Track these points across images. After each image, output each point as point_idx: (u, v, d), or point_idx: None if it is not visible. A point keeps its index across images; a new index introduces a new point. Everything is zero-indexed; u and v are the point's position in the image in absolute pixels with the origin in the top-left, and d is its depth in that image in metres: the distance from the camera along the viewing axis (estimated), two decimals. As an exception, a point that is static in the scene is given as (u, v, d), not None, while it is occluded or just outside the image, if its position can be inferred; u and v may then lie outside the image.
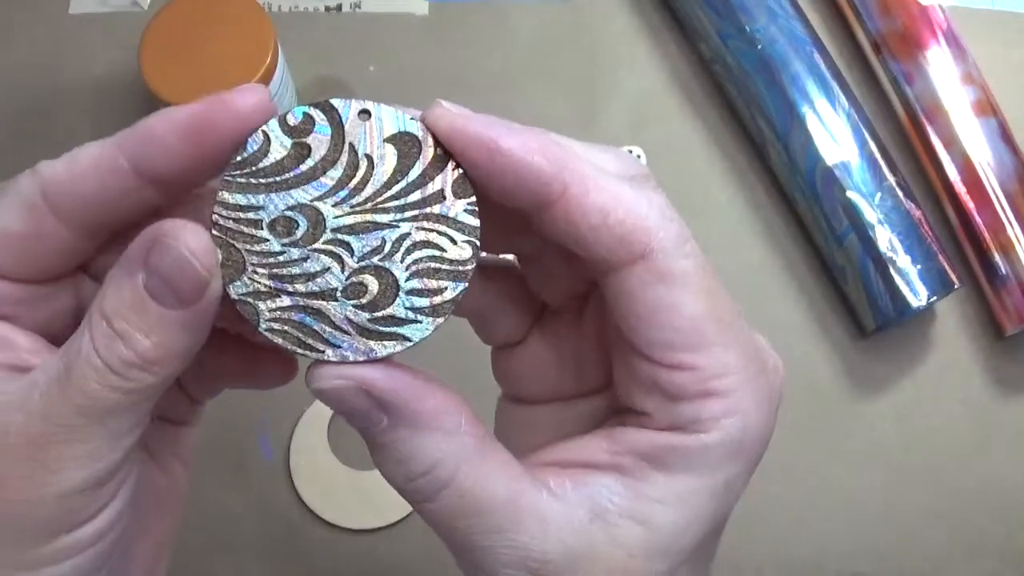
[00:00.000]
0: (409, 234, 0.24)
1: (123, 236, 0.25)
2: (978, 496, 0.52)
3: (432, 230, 0.24)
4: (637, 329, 0.24)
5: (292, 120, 0.24)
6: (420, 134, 0.24)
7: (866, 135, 0.53)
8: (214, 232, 0.23)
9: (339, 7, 0.60)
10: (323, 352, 0.24)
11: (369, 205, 0.24)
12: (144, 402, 0.24)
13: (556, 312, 0.29)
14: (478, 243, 0.24)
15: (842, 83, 0.55)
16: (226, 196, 0.24)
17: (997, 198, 0.53)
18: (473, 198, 0.24)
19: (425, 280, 0.24)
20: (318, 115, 0.24)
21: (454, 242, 0.24)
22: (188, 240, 0.23)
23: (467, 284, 0.24)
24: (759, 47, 0.55)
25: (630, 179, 0.24)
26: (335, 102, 0.24)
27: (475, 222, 0.24)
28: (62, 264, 0.25)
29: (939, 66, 0.55)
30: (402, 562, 0.50)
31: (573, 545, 0.24)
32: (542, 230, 0.24)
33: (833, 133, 0.53)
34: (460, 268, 0.24)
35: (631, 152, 0.56)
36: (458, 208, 0.24)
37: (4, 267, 0.25)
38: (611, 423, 0.27)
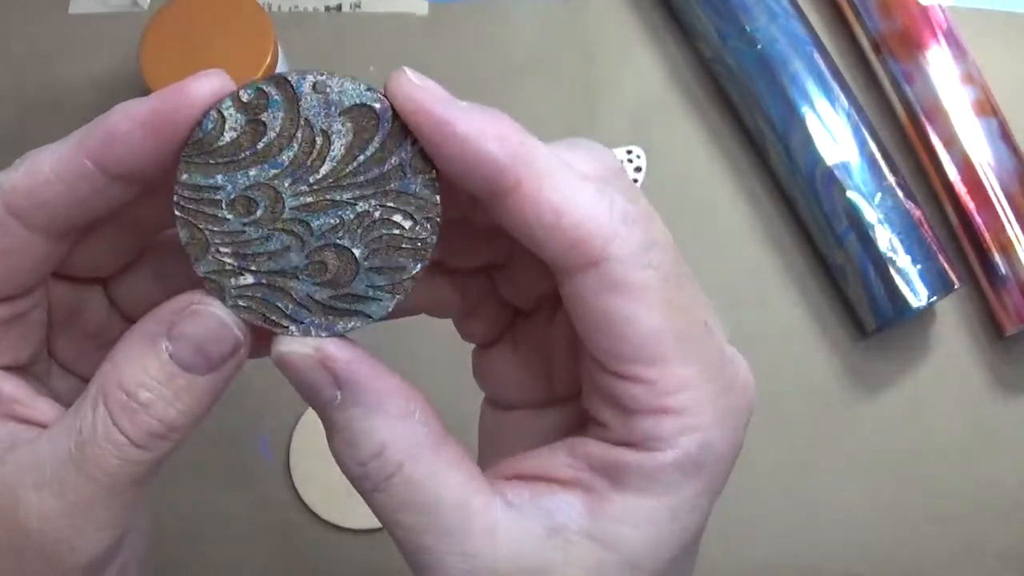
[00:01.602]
0: (368, 212, 0.23)
1: (95, 232, 0.25)
2: (978, 496, 0.52)
3: (391, 207, 0.23)
4: (590, 337, 0.23)
5: (245, 97, 0.23)
6: (378, 106, 0.23)
7: (866, 135, 0.53)
8: (176, 212, 0.23)
9: (339, 7, 0.60)
10: (287, 328, 0.24)
11: (327, 183, 0.23)
12: (158, 466, 0.24)
13: (528, 315, 0.28)
14: (438, 220, 0.24)
15: (842, 83, 0.55)
16: (184, 177, 0.23)
17: (997, 198, 0.53)
18: (433, 173, 0.23)
19: (385, 257, 0.24)
20: (272, 90, 0.23)
21: (414, 219, 0.23)
22: (219, 307, 0.23)
23: (427, 262, 0.24)
24: (759, 47, 0.55)
25: (599, 179, 0.23)
26: (288, 75, 0.23)
27: (435, 198, 0.23)
28: (36, 274, 0.25)
29: (939, 66, 0.55)
30: (402, 562, 0.50)
31: (526, 559, 0.23)
32: (495, 219, 0.23)
33: (833, 133, 0.53)
34: (419, 246, 0.24)
35: (630, 152, 0.56)
36: (418, 184, 0.23)
37: None
38: (575, 432, 0.26)
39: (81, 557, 0.23)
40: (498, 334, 0.29)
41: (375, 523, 0.50)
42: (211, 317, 0.23)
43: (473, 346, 0.30)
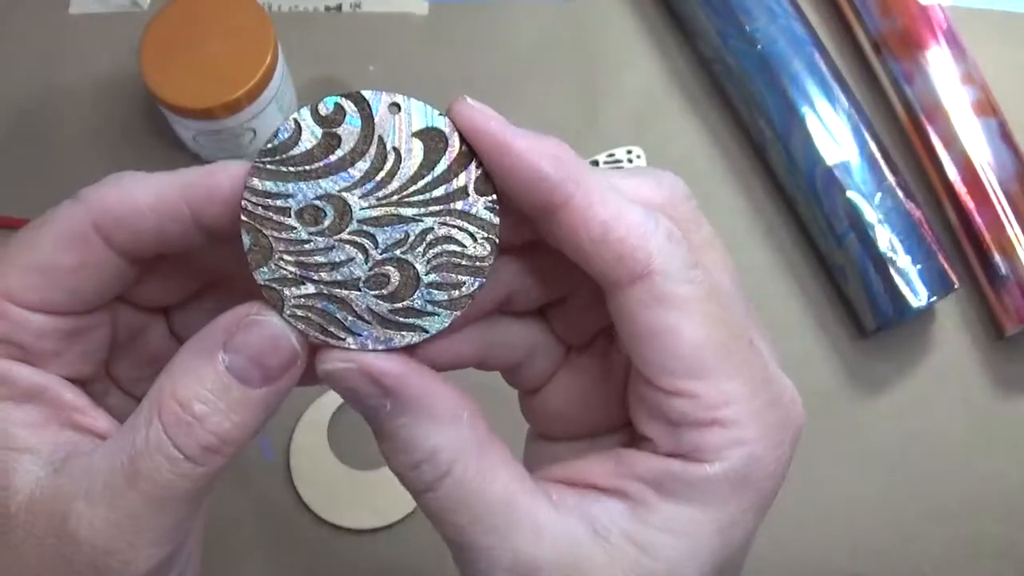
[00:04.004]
0: (432, 228, 0.24)
1: (169, 263, 0.26)
2: (978, 496, 0.52)
3: (454, 226, 0.24)
4: (637, 351, 0.24)
5: (323, 110, 0.24)
6: (447, 130, 0.24)
7: (866, 135, 0.53)
8: (243, 217, 0.24)
9: (339, 7, 0.60)
10: (344, 340, 0.24)
11: (395, 198, 0.24)
12: (213, 481, 0.24)
13: (581, 351, 0.29)
14: (497, 240, 0.24)
15: (842, 83, 0.55)
16: (256, 182, 0.24)
17: (997, 198, 0.53)
18: (494, 196, 0.24)
19: (445, 274, 0.24)
20: (349, 106, 0.24)
21: (474, 239, 0.24)
22: (277, 318, 0.24)
23: (485, 279, 0.24)
24: (759, 47, 0.55)
25: (657, 204, 0.25)
26: (366, 94, 0.24)
27: (495, 220, 0.24)
28: (105, 294, 0.25)
29: (939, 66, 0.55)
30: (402, 562, 0.50)
31: (568, 557, 0.24)
32: (549, 238, 0.25)
33: (833, 133, 0.53)
34: (479, 264, 0.24)
35: (630, 152, 0.56)
36: (479, 205, 0.24)
37: (52, 302, 0.25)
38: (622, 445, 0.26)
39: (131, 571, 0.23)
40: (549, 377, 0.29)
41: (375, 523, 0.50)
42: (268, 327, 0.24)
43: None
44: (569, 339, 0.29)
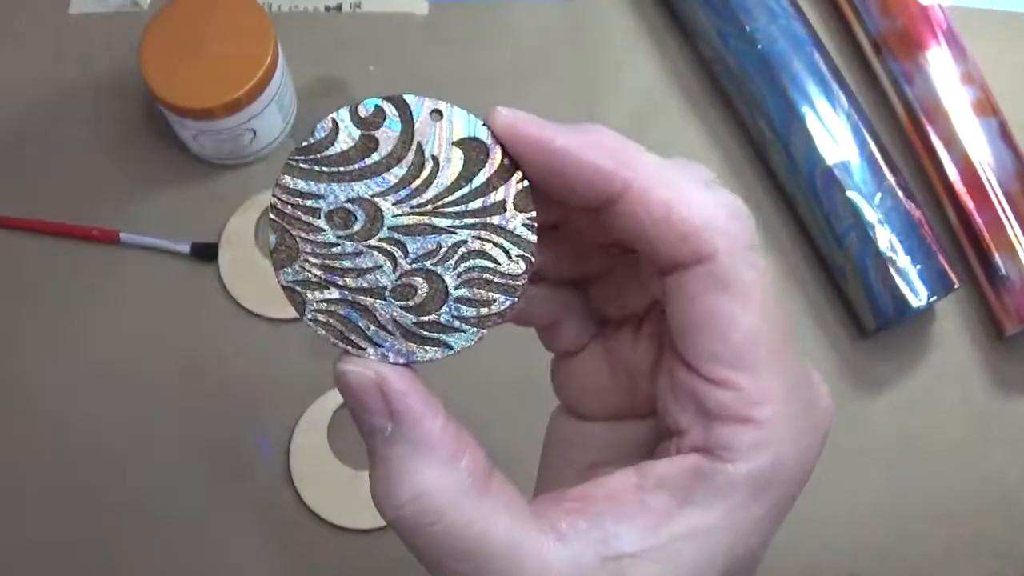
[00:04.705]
0: (465, 242, 0.24)
1: None
2: (978, 496, 0.52)
3: (488, 240, 0.24)
4: (687, 334, 0.23)
5: (363, 111, 0.23)
6: (489, 142, 0.24)
7: (866, 135, 0.53)
8: (271, 215, 0.23)
9: (339, 7, 0.60)
10: (364, 349, 0.23)
11: (429, 207, 0.23)
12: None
13: (616, 325, 0.28)
14: (532, 259, 0.24)
15: (842, 83, 0.55)
16: (288, 180, 0.23)
17: (997, 198, 0.53)
18: (534, 213, 0.24)
19: (475, 290, 0.24)
20: (390, 109, 0.24)
21: (509, 255, 0.24)
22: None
23: (516, 299, 0.24)
24: (759, 47, 0.55)
25: (705, 179, 0.24)
26: (408, 98, 0.24)
27: (532, 237, 0.24)
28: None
29: (939, 66, 0.55)
30: (402, 562, 0.50)
31: None
32: (607, 228, 0.24)
33: (833, 133, 0.53)
34: (511, 282, 0.24)
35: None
36: (517, 222, 0.24)
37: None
38: (648, 451, 0.26)
39: None
40: (583, 344, 0.29)
41: (375, 523, 0.50)
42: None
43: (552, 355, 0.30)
44: (604, 311, 0.28)
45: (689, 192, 0.23)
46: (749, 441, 0.23)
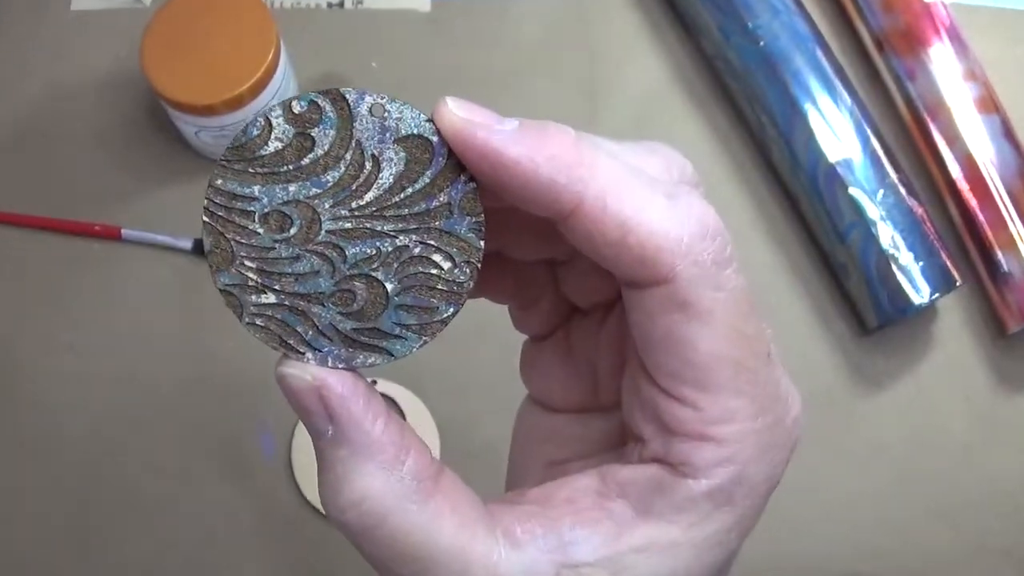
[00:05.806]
0: (407, 247, 0.22)
1: None
2: (980, 494, 0.52)
3: (432, 245, 0.22)
4: (647, 349, 0.23)
5: (297, 108, 0.22)
6: (435, 140, 0.22)
7: (868, 132, 0.53)
8: (204, 218, 0.22)
9: (341, 3, 0.60)
10: (303, 355, 0.23)
11: (369, 211, 0.22)
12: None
13: (585, 315, 0.28)
14: (478, 265, 0.23)
15: (844, 80, 0.55)
16: (220, 182, 0.22)
17: (999, 195, 0.53)
18: (481, 217, 0.22)
19: (417, 297, 0.23)
20: (327, 105, 0.22)
21: (453, 262, 0.22)
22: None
23: (460, 307, 0.23)
24: (761, 44, 0.55)
25: (672, 186, 0.22)
26: (346, 92, 0.22)
27: (479, 243, 0.22)
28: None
29: (941, 63, 0.55)
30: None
31: None
32: (565, 239, 0.23)
33: (835, 130, 0.53)
34: (455, 289, 0.23)
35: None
36: (463, 225, 0.22)
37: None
38: (608, 459, 0.25)
39: None
40: (552, 328, 0.28)
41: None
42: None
43: (525, 339, 0.29)
44: (572, 298, 0.27)
45: (648, 209, 0.21)
46: (709, 458, 0.22)
